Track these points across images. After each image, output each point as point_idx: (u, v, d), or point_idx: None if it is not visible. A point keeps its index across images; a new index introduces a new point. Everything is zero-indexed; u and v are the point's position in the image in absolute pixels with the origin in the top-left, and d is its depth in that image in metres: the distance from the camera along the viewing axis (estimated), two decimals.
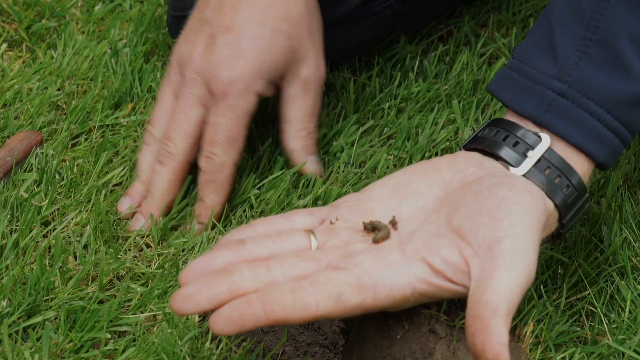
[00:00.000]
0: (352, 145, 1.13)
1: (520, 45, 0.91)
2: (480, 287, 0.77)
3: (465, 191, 0.83)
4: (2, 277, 0.97)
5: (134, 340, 0.94)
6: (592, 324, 0.96)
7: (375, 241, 0.82)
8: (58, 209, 1.05)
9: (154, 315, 0.95)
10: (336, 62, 1.21)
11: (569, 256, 1.00)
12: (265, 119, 1.14)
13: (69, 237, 1.02)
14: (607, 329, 0.95)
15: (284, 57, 1.04)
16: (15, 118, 1.15)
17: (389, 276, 0.80)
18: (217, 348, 0.92)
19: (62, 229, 1.03)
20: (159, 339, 0.92)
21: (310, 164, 1.07)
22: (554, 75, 0.87)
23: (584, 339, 0.95)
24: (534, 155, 0.86)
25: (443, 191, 0.85)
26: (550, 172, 0.85)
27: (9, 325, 0.93)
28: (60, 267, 0.98)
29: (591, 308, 0.97)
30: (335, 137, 1.14)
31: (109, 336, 0.94)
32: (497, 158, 0.87)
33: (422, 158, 1.12)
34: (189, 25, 1.06)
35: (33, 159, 1.09)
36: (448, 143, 1.14)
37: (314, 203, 1.06)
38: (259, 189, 1.08)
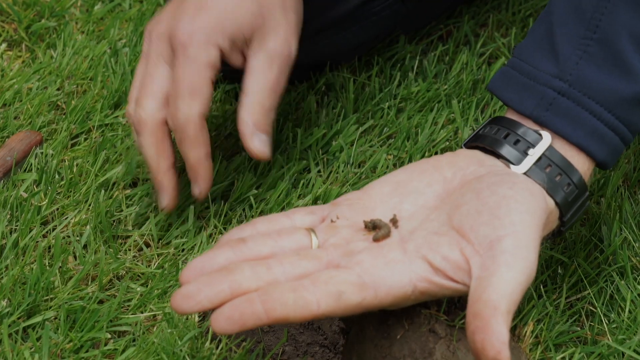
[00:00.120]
0: (352, 145, 1.13)
1: (521, 44, 0.91)
2: (480, 286, 0.77)
3: (466, 189, 0.83)
4: (2, 277, 0.97)
5: (134, 340, 0.94)
6: (592, 323, 0.96)
7: (376, 239, 0.82)
8: (58, 209, 1.05)
9: (154, 315, 0.95)
10: (336, 62, 1.21)
11: (569, 256, 1.00)
12: None
13: (69, 236, 1.02)
14: (607, 329, 0.95)
15: (251, 20, 1.01)
16: (15, 118, 1.15)
17: (389, 274, 0.80)
18: (217, 348, 0.92)
19: (62, 228, 1.03)
20: (159, 339, 0.92)
21: (257, 142, 1.00)
22: (554, 75, 0.87)
23: (583, 339, 0.95)
24: (534, 154, 0.86)
25: (444, 189, 0.85)
26: (551, 170, 0.86)
27: (9, 325, 0.93)
28: (60, 267, 0.98)
29: (591, 308, 0.97)
30: (335, 137, 1.14)
31: (109, 336, 0.94)
32: (498, 156, 0.87)
33: (421, 158, 1.12)
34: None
35: (33, 159, 1.09)
36: (448, 143, 1.14)
37: (314, 203, 1.06)
38: (258, 188, 1.08)
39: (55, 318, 0.94)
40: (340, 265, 0.81)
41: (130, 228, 1.04)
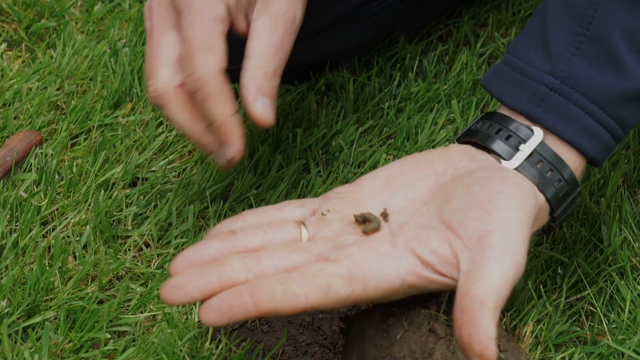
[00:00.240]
0: (352, 145, 1.13)
1: (515, 40, 0.91)
2: (468, 280, 0.77)
3: (457, 184, 0.84)
4: (2, 277, 0.97)
5: (134, 341, 0.94)
6: (591, 324, 0.96)
7: (365, 232, 0.83)
8: (57, 209, 1.05)
9: (154, 316, 0.95)
10: (336, 62, 1.21)
11: (569, 256, 1.01)
12: None
13: (69, 237, 1.02)
14: (606, 329, 0.95)
15: None
16: (15, 118, 1.15)
17: (378, 268, 0.80)
18: (216, 348, 0.92)
19: (62, 229, 1.03)
20: (159, 339, 0.92)
21: (260, 106, 0.93)
22: (547, 71, 0.87)
23: (583, 339, 0.95)
24: (526, 149, 0.86)
25: (435, 184, 0.86)
26: (542, 166, 0.86)
27: (9, 326, 0.93)
28: (60, 267, 0.98)
29: (591, 308, 0.97)
30: (334, 137, 1.14)
31: (109, 336, 0.94)
32: (490, 151, 0.87)
33: None
34: None
35: (32, 159, 1.09)
36: (447, 143, 1.14)
37: None
38: (257, 188, 1.08)
39: (55, 318, 0.94)
40: (329, 258, 0.81)
41: (130, 228, 1.04)
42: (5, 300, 0.94)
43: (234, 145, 0.92)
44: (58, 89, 1.19)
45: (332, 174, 1.10)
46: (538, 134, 0.87)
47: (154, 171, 1.10)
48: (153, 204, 1.06)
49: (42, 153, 1.10)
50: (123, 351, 0.92)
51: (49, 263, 0.99)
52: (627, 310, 0.96)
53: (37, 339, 0.92)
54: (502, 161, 0.86)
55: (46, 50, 1.25)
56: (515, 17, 1.31)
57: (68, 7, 1.30)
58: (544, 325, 0.94)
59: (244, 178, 1.08)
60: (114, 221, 1.04)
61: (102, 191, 1.06)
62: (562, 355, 0.93)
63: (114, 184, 1.08)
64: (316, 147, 1.12)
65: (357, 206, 0.85)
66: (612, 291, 0.98)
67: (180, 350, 0.91)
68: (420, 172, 0.87)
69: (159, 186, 1.08)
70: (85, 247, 1.02)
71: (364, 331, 0.85)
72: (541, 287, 0.97)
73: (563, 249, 1.02)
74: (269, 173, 1.09)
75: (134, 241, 1.02)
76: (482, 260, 0.78)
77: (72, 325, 0.94)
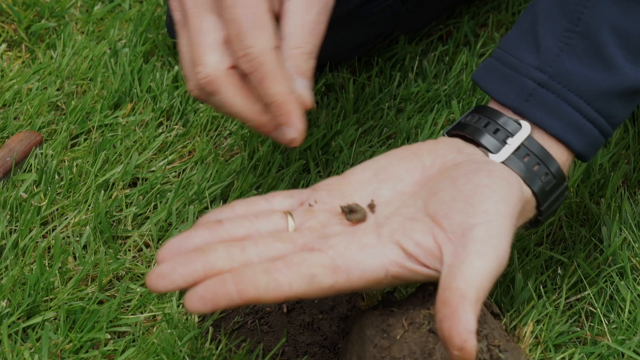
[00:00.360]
0: (352, 146, 1.13)
1: (506, 35, 0.92)
2: (450, 273, 0.78)
3: (444, 177, 0.84)
4: (2, 278, 0.97)
5: (134, 341, 0.94)
6: (591, 324, 0.96)
7: (350, 220, 0.83)
8: (57, 209, 1.05)
9: (154, 316, 0.95)
10: (336, 62, 1.21)
11: (569, 256, 1.01)
12: None
13: (69, 237, 1.02)
14: (606, 330, 0.95)
15: None
16: (15, 118, 1.15)
17: (362, 258, 0.80)
18: (216, 348, 0.92)
19: (62, 229, 1.03)
20: (159, 340, 0.92)
21: (299, 87, 0.90)
22: (535, 66, 0.88)
23: (583, 340, 0.95)
24: (513, 143, 0.87)
25: (422, 176, 0.86)
26: (529, 160, 0.86)
27: (9, 326, 0.93)
28: (60, 267, 0.98)
29: (591, 308, 0.97)
30: (334, 137, 1.14)
31: (109, 336, 0.94)
32: (478, 145, 0.88)
33: None
34: None
35: (32, 160, 1.09)
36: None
37: None
38: (257, 189, 1.08)
39: (55, 319, 0.94)
40: (314, 248, 0.81)
41: (130, 228, 1.04)
42: (5, 301, 0.94)
43: (295, 125, 0.88)
44: (58, 90, 1.19)
45: (332, 174, 1.10)
46: (526, 128, 0.87)
47: (153, 171, 1.10)
48: (153, 204, 1.06)
49: (42, 153, 1.10)
50: (123, 351, 0.92)
51: (48, 263, 0.99)
52: (627, 310, 0.96)
53: (37, 340, 0.92)
54: (490, 154, 0.87)
55: (46, 50, 1.25)
56: (515, 17, 1.31)
57: (68, 7, 1.30)
58: (544, 325, 0.94)
59: (243, 178, 1.08)
60: (114, 221, 1.04)
61: (102, 191, 1.06)
62: (562, 356, 0.93)
63: (113, 184, 1.08)
64: (316, 147, 1.12)
65: (345, 198, 0.86)
66: (612, 291, 0.98)
67: (180, 351, 0.91)
68: (409, 165, 0.87)
69: (159, 186, 1.08)
70: (85, 247, 1.02)
71: (364, 331, 0.85)
72: (541, 287, 0.97)
73: (563, 249, 1.02)
74: (269, 173, 1.09)
75: (134, 241, 1.02)
76: (465, 254, 0.78)
77: (72, 325, 0.94)
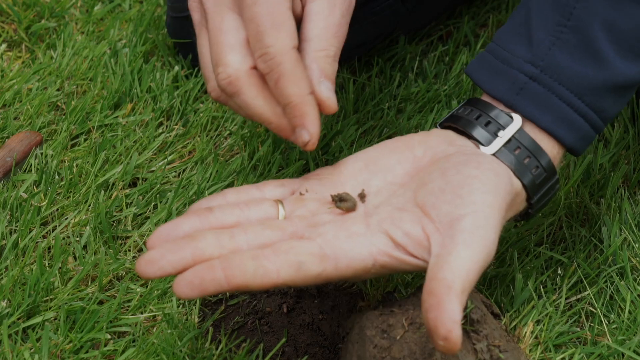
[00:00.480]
0: (352, 146, 1.13)
1: (500, 29, 0.92)
2: (437, 264, 0.78)
3: (434, 168, 0.85)
4: (2, 278, 0.97)
5: (134, 341, 0.94)
6: (591, 324, 0.96)
7: (340, 209, 0.84)
8: (57, 210, 1.05)
9: (154, 316, 0.95)
10: None
11: (569, 257, 1.00)
12: None
13: (69, 237, 1.02)
14: (606, 330, 0.95)
15: None
16: (15, 118, 1.15)
17: (350, 247, 0.81)
18: (216, 349, 0.92)
19: (62, 229, 1.03)
20: (159, 340, 0.92)
21: (324, 90, 0.89)
22: (527, 60, 0.88)
23: (583, 340, 0.95)
24: (504, 135, 0.87)
25: (413, 167, 0.87)
26: (520, 153, 0.87)
27: (9, 326, 0.93)
28: (60, 267, 0.98)
29: (591, 309, 0.97)
30: (335, 137, 1.14)
31: (109, 337, 0.94)
32: (470, 137, 0.88)
33: None
34: None
35: (32, 160, 1.09)
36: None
37: None
38: None
39: (55, 319, 0.94)
40: (304, 236, 0.82)
41: (130, 228, 1.04)
42: (5, 301, 0.94)
43: (311, 127, 0.86)
44: (58, 90, 1.19)
45: None
46: (517, 120, 0.88)
47: (153, 171, 1.10)
48: (153, 204, 1.06)
49: (42, 153, 1.10)
50: (123, 352, 0.92)
51: (49, 264, 0.99)
52: (627, 310, 0.96)
53: (37, 340, 0.92)
54: (481, 147, 0.87)
55: (46, 50, 1.25)
56: None
57: (68, 7, 1.30)
58: (544, 325, 0.94)
59: (243, 178, 1.08)
60: (113, 221, 1.04)
61: (102, 191, 1.06)
62: (562, 356, 0.93)
63: (113, 184, 1.08)
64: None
65: (335, 187, 0.87)
66: (612, 292, 0.98)
67: (180, 351, 0.91)
68: (400, 156, 0.88)
69: (159, 186, 1.08)
70: (85, 247, 1.02)
71: (364, 331, 0.85)
72: (541, 287, 0.97)
73: (563, 250, 1.02)
74: (269, 173, 1.09)
75: (134, 241, 1.02)
76: (452, 244, 0.79)
77: (72, 325, 0.94)
